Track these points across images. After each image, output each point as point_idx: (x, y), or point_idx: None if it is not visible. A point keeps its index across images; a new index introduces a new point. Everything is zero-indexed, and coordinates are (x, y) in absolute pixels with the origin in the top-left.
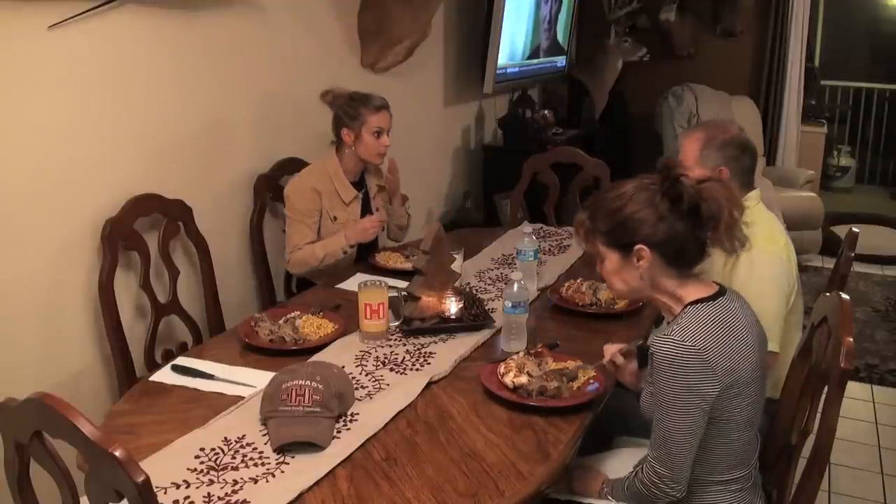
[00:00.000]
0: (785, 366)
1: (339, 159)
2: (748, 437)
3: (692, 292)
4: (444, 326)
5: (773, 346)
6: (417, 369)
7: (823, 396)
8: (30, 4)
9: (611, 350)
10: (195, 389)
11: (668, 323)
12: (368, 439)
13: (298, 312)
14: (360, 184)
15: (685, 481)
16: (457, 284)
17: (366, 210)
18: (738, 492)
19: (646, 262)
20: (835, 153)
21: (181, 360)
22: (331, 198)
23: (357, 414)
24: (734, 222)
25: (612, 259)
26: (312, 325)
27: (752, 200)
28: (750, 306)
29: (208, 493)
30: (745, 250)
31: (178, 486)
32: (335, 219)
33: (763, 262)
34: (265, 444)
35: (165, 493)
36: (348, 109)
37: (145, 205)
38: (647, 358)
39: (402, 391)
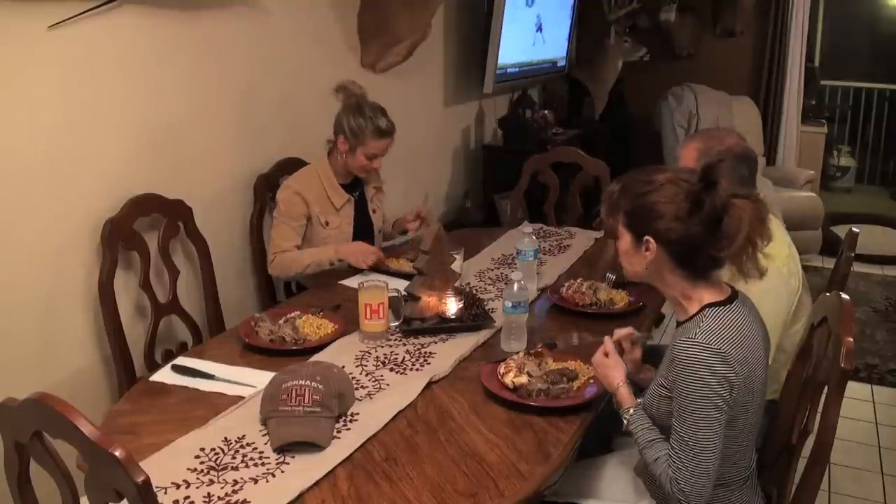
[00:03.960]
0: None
1: (331, 162)
2: (751, 439)
3: (706, 294)
4: (444, 326)
5: None
6: (417, 369)
7: (823, 396)
8: (30, 4)
9: (620, 333)
10: (195, 389)
11: (680, 322)
12: (368, 439)
13: (298, 312)
14: (353, 185)
15: (708, 495)
16: (457, 284)
17: (360, 212)
18: (738, 490)
19: (652, 254)
20: (835, 153)
21: (181, 360)
22: (322, 203)
23: (357, 414)
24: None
25: (625, 240)
26: (312, 325)
27: None
28: (756, 309)
29: (208, 493)
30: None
31: (178, 486)
32: (327, 224)
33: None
34: (265, 444)
35: (165, 493)
36: (352, 122)
37: (145, 205)
38: (651, 355)
39: (402, 391)
